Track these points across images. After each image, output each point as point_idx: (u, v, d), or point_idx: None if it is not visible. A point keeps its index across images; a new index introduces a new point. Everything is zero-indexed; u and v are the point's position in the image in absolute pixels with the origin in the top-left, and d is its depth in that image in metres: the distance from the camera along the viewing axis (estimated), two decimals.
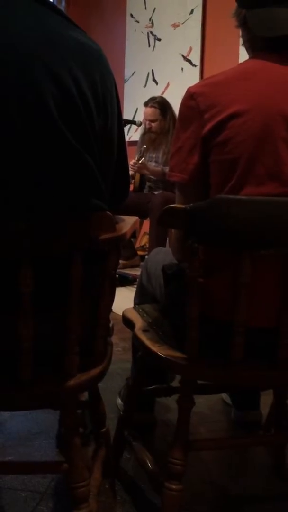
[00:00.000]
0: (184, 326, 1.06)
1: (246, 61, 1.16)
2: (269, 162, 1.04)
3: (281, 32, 1.09)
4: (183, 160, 1.12)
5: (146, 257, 3.87)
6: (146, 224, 4.21)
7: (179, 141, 1.13)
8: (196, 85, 1.13)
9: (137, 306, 1.47)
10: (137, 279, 1.64)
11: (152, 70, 5.18)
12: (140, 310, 1.41)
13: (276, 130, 1.04)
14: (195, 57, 4.64)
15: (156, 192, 4.00)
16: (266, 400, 1.66)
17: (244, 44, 1.22)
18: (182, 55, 4.78)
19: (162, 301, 1.36)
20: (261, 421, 1.68)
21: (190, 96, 1.11)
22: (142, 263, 4.25)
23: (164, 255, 1.46)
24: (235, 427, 1.72)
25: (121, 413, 1.43)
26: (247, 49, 1.21)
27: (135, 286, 1.64)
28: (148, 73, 5.23)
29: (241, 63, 1.18)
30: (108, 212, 0.97)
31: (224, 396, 1.89)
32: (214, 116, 1.06)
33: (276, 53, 1.11)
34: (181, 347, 1.12)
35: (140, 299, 1.56)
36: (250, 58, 1.18)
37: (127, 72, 5.47)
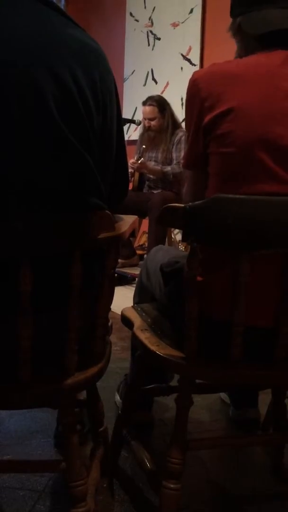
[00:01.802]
0: (183, 325, 1.06)
1: (251, 56, 1.17)
2: (267, 159, 1.04)
3: (269, 29, 1.11)
4: (190, 145, 1.16)
5: (146, 256, 3.88)
6: (145, 223, 4.21)
7: (188, 126, 1.17)
8: (201, 71, 1.15)
9: (136, 305, 1.47)
10: (136, 278, 1.65)
11: (152, 69, 5.18)
12: (139, 309, 1.41)
13: (273, 129, 1.04)
14: (195, 56, 4.64)
15: (155, 191, 4.00)
16: (265, 399, 1.66)
17: (239, 53, 1.23)
18: (182, 54, 4.78)
19: (161, 300, 1.37)
20: (259, 420, 1.68)
21: (193, 82, 1.13)
22: (141, 262, 4.26)
23: (164, 253, 1.46)
24: (233, 426, 1.72)
25: (119, 411, 1.43)
26: (242, 52, 1.22)
27: (134, 285, 1.64)
28: (148, 72, 5.22)
29: (246, 58, 1.18)
30: (107, 211, 0.97)
31: (222, 395, 1.89)
32: (214, 107, 1.08)
33: (271, 52, 1.12)
34: (179, 346, 1.12)
35: (139, 298, 1.56)
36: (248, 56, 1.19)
37: (127, 71, 5.47)
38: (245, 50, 1.20)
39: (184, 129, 3.32)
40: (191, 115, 1.15)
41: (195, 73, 1.15)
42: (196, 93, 1.12)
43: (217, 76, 1.10)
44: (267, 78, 1.07)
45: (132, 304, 1.52)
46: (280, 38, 1.12)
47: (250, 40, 1.17)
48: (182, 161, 1.25)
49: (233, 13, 1.21)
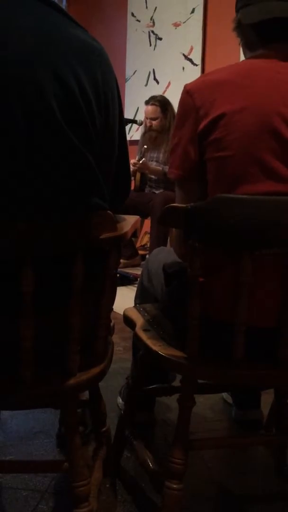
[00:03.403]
0: (185, 326, 1.06)
1: (243, 61, 1.17)
2: (265, 160, 1.04)
3: (265, 17, 1.11)
4: (179, 156, 1.13)
5: (147, 256, 3.88)
6: (147, 223, 4.21)
7: (176, 137, 1.15)
8: (193, 82, 1.15)
9: (138, 305, 1.47)
10: (138, 279, 1.65)
11: (153, 70, 5.17)
12: (141, 309, 1.41)
13: (271, 128, 1.04)
14: (196, 56, 4.64)
15: (157, 192, 4.00)
16: (267, 399, 1.66)
17: (243, 49, 1.23)
18: (183, 54, 4.77)
19: (163, 301, 1.36)
20: (262, 420, 1.68)
21: (187, 93, 1.13)
22: (143, 263, 4.26)
23: (166, 254, 1.46)
24: (235, 426, 1.72)
25: (122, 412, 1.43)
26: (245, 54, 1.22)
27: (136, 285, 1.64)
28: (149, 72, 5.22)
29: (238, 63, 1.18)
30: (109, 211, 0.97)
31: (225, 395, 1.89)
32: (209, 113, 1.07)
33: (272, 50, 1.12)
34: (182, 347, 1.11)
35: (141, 299, 1.55)
36: (247, 58, 1.19)
37: (128, 72, 5.47)
38: (248, 48, 1.20)
39: None
40: (185, 124, 1.12)
41: (186, 85, 1.14)
42: (190, 103, 1.11)
43: (209, 85, 1.10)
44: (263, 82, 1.07)
45: (134, 305, 1.52)
46: (277, 28, 1.12)
47: (251, 34, 1.17)
48: (170, 170, 1.19)
49: (236, 10, 1.21)
